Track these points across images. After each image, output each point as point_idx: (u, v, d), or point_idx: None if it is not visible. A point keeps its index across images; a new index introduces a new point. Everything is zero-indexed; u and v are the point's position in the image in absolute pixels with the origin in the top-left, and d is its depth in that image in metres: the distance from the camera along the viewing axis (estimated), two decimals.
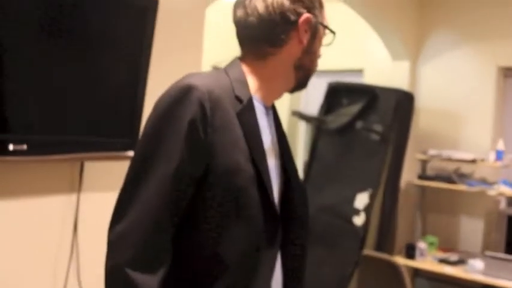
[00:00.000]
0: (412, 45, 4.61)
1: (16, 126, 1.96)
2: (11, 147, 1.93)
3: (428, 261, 4.03)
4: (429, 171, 4.42)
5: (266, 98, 1.26)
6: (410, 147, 4.40)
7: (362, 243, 3.97)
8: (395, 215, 4.44)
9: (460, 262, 3.93)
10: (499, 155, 3.94)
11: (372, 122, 4.20)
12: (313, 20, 1.24)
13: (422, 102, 4.60)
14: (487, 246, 4.20)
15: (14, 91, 1.94)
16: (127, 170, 1.15)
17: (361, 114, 4.24)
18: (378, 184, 4.09)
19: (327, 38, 1.31)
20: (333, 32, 1.30)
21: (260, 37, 1.23)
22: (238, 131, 1.14)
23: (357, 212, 4.04)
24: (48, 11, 2.03)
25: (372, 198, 4.03)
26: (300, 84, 1.31)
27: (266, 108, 1.27)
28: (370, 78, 4.78)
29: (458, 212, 4.38)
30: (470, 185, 4.02)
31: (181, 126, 1.09)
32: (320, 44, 1.30)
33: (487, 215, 4.24)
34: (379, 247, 4.21)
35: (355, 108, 4.26)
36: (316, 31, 1.26)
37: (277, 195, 1.25)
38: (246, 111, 1.17)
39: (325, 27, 1.29)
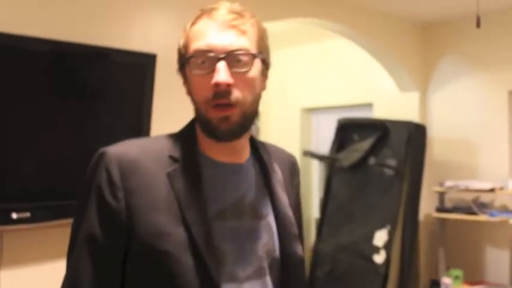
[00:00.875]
0: (419, 76, 4.57)
1: (18, 195, 1.95)
2: (14, 215, 1.92)
3: None
4: (447, 203, 4.31)
5: (217, 154, 1.16)
6: (426, 180, 4.31)
7: (384, 282, 3.85)
8: (417, 251, 4.33)
9: None
10: None
11: (384, 156, 4.13)
12: (179, 68, 1.16)
13: (435, 133, 4.52)
14: None
15: (15, 160, 1.93)
16: None
17: (373, 150, 4.17)
18: (396, 220, 3.99)
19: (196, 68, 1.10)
20: (192, 56, 1.10)
21: None
22: (167, 193, 1.08)
23: (376, 250, 3.93)
24: (48, 78, 2.04)
25: (391, 234, 3.93)
26: (211, 135, 1.12)
27: (233, 165, 1.17)
28: (380, 112, 4.73)
29: (481, 243, 4.25)
30: (491, 215, 3.91)
31: (90, 192, 1.08)
32: (193, 84, 1.11)
33: None
34: (402, 285, 4.08)
35: (366, 144, 4.20)
36: (185, 74, 1.15)
37: (259, 259, 1.15)
38: (180, 171, 1.10)
39: (187, 59, 1.11)
